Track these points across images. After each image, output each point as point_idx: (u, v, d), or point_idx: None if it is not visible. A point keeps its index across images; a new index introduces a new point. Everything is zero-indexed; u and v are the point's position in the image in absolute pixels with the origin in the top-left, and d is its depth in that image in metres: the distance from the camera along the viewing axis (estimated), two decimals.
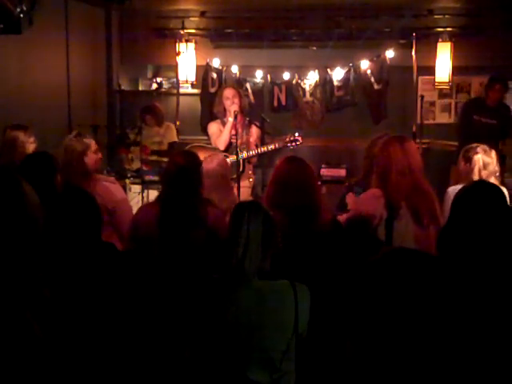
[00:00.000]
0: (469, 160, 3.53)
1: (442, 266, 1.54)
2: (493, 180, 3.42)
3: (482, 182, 2.40)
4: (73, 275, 1.97)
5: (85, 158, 3.51)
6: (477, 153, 3.52)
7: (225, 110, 4.97)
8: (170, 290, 2.47)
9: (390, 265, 1.41)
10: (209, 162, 3.50)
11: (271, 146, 4.86)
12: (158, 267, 2.68)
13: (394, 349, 1.36)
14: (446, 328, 1.43)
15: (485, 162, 3.49)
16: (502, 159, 4.10)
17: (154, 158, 5.72)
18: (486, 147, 3.58)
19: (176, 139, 5.89)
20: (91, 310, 1.92)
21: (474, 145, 3.61)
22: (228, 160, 4.94)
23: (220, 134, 4.97)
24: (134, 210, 5.19)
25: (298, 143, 4.92)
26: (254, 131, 5.03)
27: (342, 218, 3.10)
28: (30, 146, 3.95)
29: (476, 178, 3.44)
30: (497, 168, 3.54)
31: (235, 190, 4.53)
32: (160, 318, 2.29)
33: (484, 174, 3.46)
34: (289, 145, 4.92)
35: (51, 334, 1.19)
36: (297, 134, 4.96)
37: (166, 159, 5.73)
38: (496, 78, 5.70)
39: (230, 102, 4.89)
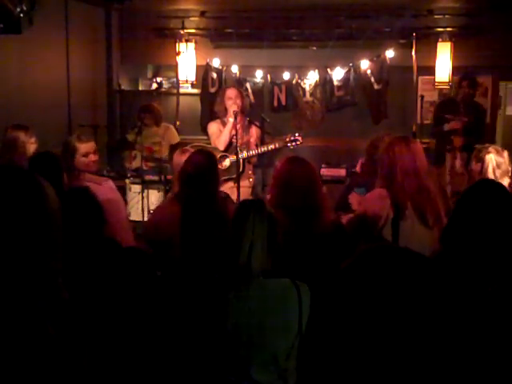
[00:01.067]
0: (481, 160, 3.49)
1: (421, 261, 1.53)
2: (506, 179, 3.41)
3: (486, 181, 2.40)
4: (77, 273, 1.97)
5: (74, 160, 3.59)
6: (489, 152, 3.48)
7: (226, 109, 4.95)
8: (177, 290, 2.46)
9: (365, 265, 1.42)
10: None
11: (271, 146, 4.86)
12: (178, 266, 2.68)
13: (374, 346, 1.37)
14: (434, 326, 1.43)
15: (497, 161, 3.45)
16: None
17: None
18: (497, 147, 3.56)
19: (178, 140, 5.87)
20: (95, 308, 1.92)
21: (486, 144, 3.59)
22: (228, 160, 4.95)
23: (220, 133, 4.96)
24: (134, 210, 5.27)
25: (298, 143, 4.92)
26: (254, 131, 5.02)
27: (346, 218, 3.08)
28: (31, 146, 3.94)
29: (491, 177, 3.38)
30: (509, 167, 3.51)
31: (235, 190, 4.53)
32: (163, 316, 2.28)
33: (498, 173, 3.43)
34: (289, 145, 4.92)
35: (64, 333, 1.18)
36: (297, 134, 4.95)
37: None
38: (465, 76, 5.84)
39: (232, 102, 4.88)
